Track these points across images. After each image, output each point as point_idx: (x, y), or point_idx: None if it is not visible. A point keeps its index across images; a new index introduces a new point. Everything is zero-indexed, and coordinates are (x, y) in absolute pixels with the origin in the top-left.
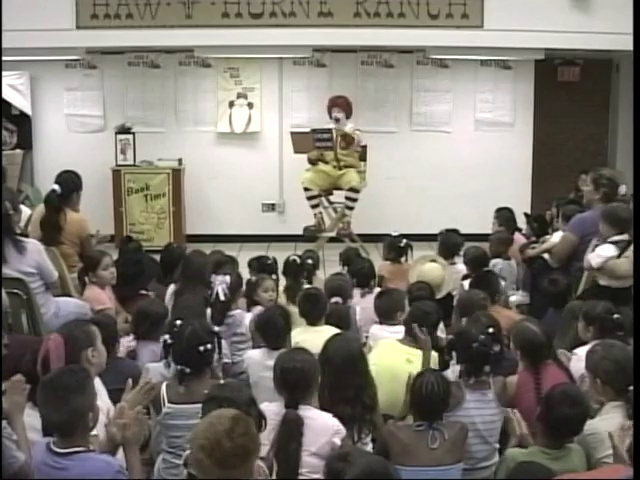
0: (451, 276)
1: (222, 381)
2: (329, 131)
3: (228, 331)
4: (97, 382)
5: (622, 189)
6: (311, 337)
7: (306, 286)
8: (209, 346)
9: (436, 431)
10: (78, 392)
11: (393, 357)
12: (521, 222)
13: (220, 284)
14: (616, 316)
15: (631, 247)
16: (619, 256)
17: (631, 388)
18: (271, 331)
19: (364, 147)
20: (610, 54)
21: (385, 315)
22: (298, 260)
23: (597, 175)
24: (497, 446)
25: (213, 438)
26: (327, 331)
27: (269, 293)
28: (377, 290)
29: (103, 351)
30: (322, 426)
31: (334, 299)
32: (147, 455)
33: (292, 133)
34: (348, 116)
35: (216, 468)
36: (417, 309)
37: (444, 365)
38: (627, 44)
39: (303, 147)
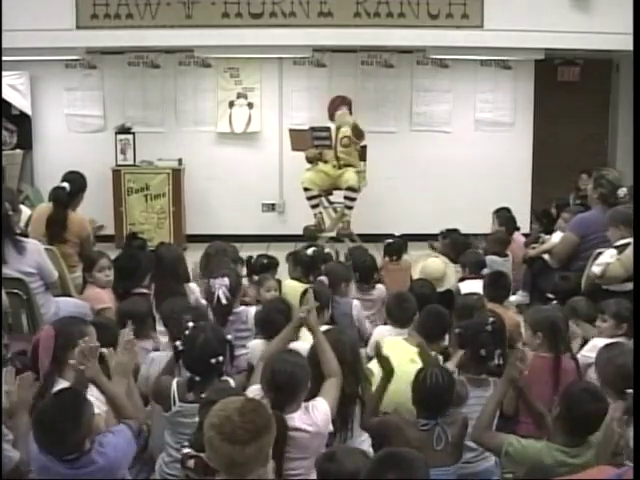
0: (453, 272)
1: (231, 380)
2: (327, 129)
3: (231, 327)
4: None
5: (621, 192)
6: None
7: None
8: (221, 358)
9: (441, 431)
10: (74, 426)
11: (397, 356)
12: (523, 221)
13: (220, 288)
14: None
15: (625, 251)
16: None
17: (629, 391)
18: (269, 326)
19: (364, 147)
20: (610, 54)
21: (400, 321)
22: (310, 252)
23: (599, 175)
24: None
25: (223, 415)
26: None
27: (271, 293)
28: (379, 287)
29: None
30: (314, 433)
31: (320, 277)
32: (146, 455)
33: (290, 130)
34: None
35: (226, 444)
36: (431, 312)
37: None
38: (627, 44)
39: (301, 144)
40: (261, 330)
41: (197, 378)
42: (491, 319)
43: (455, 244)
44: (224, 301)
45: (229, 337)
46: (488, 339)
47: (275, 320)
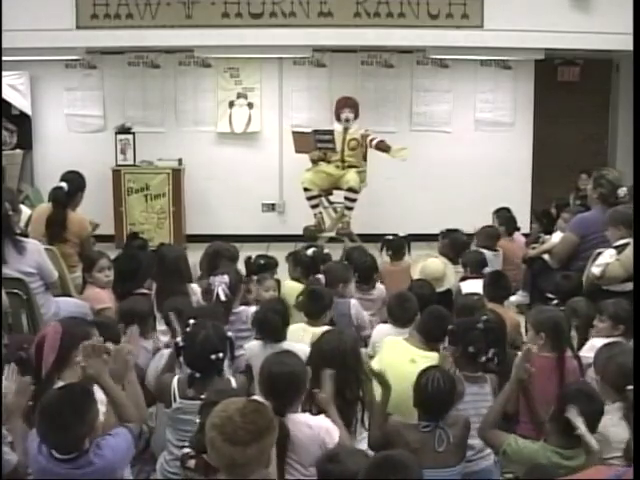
0: (452, 272)
1: (233, 380)
2: (330, 132)
3: (232, 327)
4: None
5: (621, 192)
6: (308, 337)
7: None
8: (221, 355)
9: (442, 432)
10: (77, 421)
11: (397, 356)
12: (523, 221)
13: (219, 285)
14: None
15: (625, 251)
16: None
17: (629, 387)
18: (266, 327)
19: (365, 147)
20: (610, 54)
21: (401, 321)
22: (310, 253)
23: (598, 175)
24: None
25: (225, 415)
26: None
27: (270, 293)
28: (379, 286)
29: None
30: (314, 437)
31: (317, 276)
32: (147, 455)
33: (294, 132)
34: (356, 117)
35: (227, 445)
36: (432, 313)
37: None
38: (627, 44)
39: (304, 147)
40: (258, 330)
41: (197, 375)
42: (484, 317)
43: (454, 244)
44: (223, 298)
45: (229, 334)
46: (478, 337)
47: (272, 320)
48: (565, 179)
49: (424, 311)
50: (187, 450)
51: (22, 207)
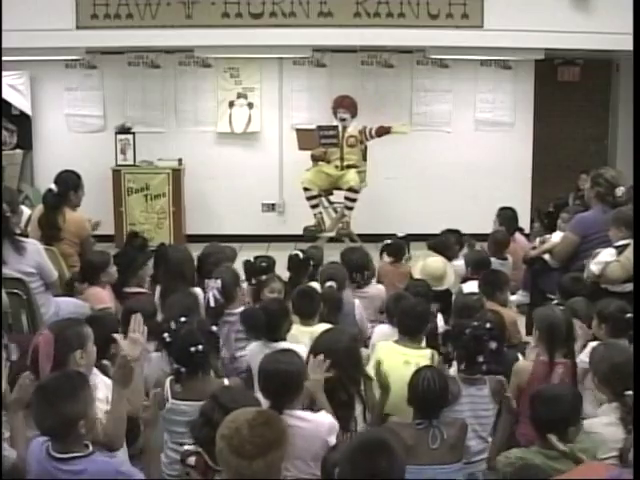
0: (452, 271)
1: (226, 380)
2: (335, 127)
3: (232, 328)
4: (100, 377)
5: (619, 191)
6: (304, 337)
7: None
8: (201, 347)
9: (436, 430)
10: (69, 399)
11: (391, 360)
12: (523, 221)
13: (211, 290)
14: (629, 315)
15: (625, 251)
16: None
17: (629, 392)
18: (252, 323)
19: (365, 147)
20: (610, 54)
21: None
22: (301, 255)
23: (596, 174)
24: (490, 440)
25: (234, 427)
26: (321, 330)
27: (274, 294)
28: (375, 285)
29: (93, 352)
30: (314, 432)
31: (328, 283)
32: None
33: (297, 129)
34: (353, 116)
35: (234, 457)
36: (404, 308)
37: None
38: (627, 44)
39: (308, 144)
40: (246, 328)
41: (182, 369)
42: (476, 323)
43: (444, 245)
44: (212, 303)
45: (214, 329)
46: (472, 340)
47: (256, 316)
48: (565, 179)
49: (398, 309)
50: (188, 447)
51: (22, 207)
